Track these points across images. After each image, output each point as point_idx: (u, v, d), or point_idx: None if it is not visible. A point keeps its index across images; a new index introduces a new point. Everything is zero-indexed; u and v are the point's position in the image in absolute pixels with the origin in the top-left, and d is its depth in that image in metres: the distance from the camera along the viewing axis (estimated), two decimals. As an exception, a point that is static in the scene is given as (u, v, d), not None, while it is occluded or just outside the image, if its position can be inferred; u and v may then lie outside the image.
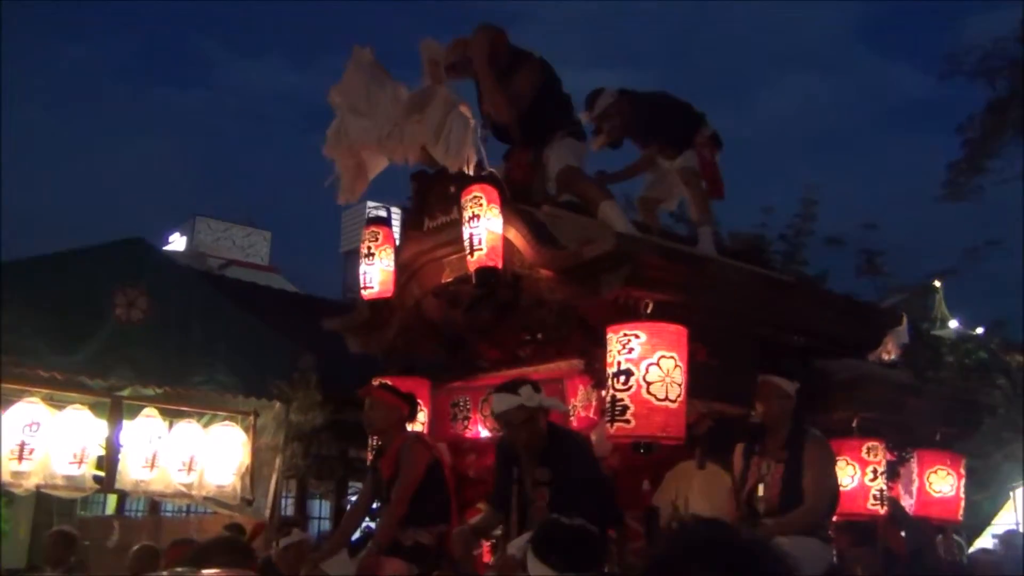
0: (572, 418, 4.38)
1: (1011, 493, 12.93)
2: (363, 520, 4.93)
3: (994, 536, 12.94)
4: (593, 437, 4.38)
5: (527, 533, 2.63)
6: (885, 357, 5.93)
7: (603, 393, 4.01)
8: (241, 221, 36.54)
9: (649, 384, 3.79)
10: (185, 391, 8.66)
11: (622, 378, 3.82)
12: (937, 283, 17.15)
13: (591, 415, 4.34)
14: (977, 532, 11.81)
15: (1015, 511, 13.29)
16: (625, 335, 3.85)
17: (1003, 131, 9.04)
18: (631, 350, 3.82)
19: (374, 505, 4.69)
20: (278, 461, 8.92)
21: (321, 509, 11.96)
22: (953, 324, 18.09)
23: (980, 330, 16.60)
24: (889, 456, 5.00)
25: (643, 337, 3.82)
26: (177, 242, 34.68)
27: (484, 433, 4.93)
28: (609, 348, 3.89)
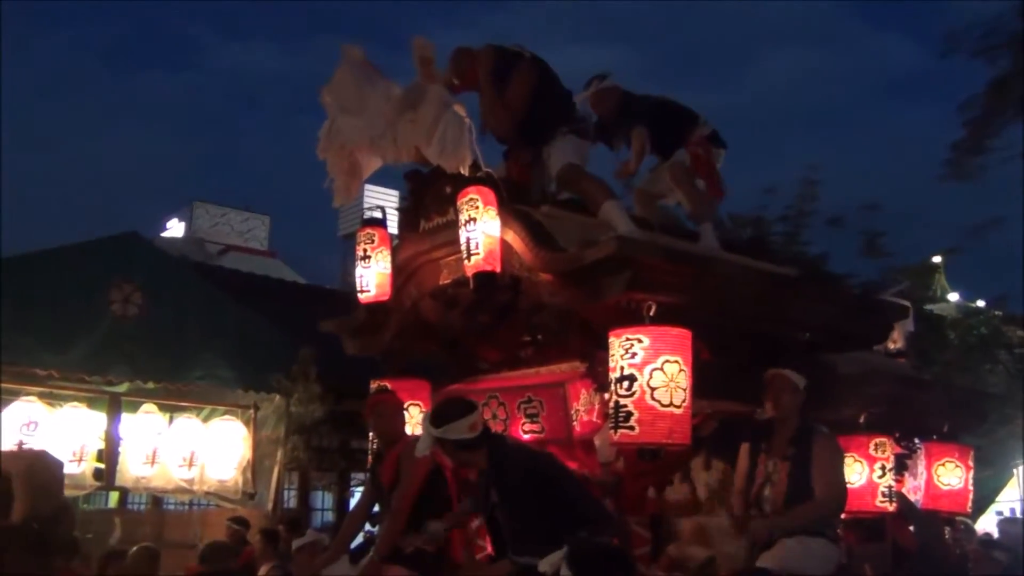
0: (575, 423, 4.31)
1: (1015, 470, 12.92)
2: (363, 525, 4.89)
3: (998, 513, 12.96)
4: (597, 442, 4.31)
5: (558, 551, 2.61)
6: (891, 346, 5.87)
7: (606, 398, 3.93)
8: (239, 206, 36.36)
9: (653, 390, 3.70)
10: (184, 386, 8.61)
11: (625, 384, 3.73)
12: (938, 259, 17.05)
13: (594, 419, 4.26)
14: (981, 510, 11.80)
15: (1018, 488, 13.30)
16: (628, 339, 3.76)
17: (1005, 110, 8.86)
18: (634, 355, 3.73)
19: (374, 509, 4.64)
20: (279, 454, 8.88)
21: (324, 501, 11.95)
22: (953, 297, 18.01)
23: (981, 303, 16.52)
24: (896, 449, 4.94)
25: (646, 342, 3.73)
26: (175, 228, 34.58)
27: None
28: (612, 353, 3.80)
